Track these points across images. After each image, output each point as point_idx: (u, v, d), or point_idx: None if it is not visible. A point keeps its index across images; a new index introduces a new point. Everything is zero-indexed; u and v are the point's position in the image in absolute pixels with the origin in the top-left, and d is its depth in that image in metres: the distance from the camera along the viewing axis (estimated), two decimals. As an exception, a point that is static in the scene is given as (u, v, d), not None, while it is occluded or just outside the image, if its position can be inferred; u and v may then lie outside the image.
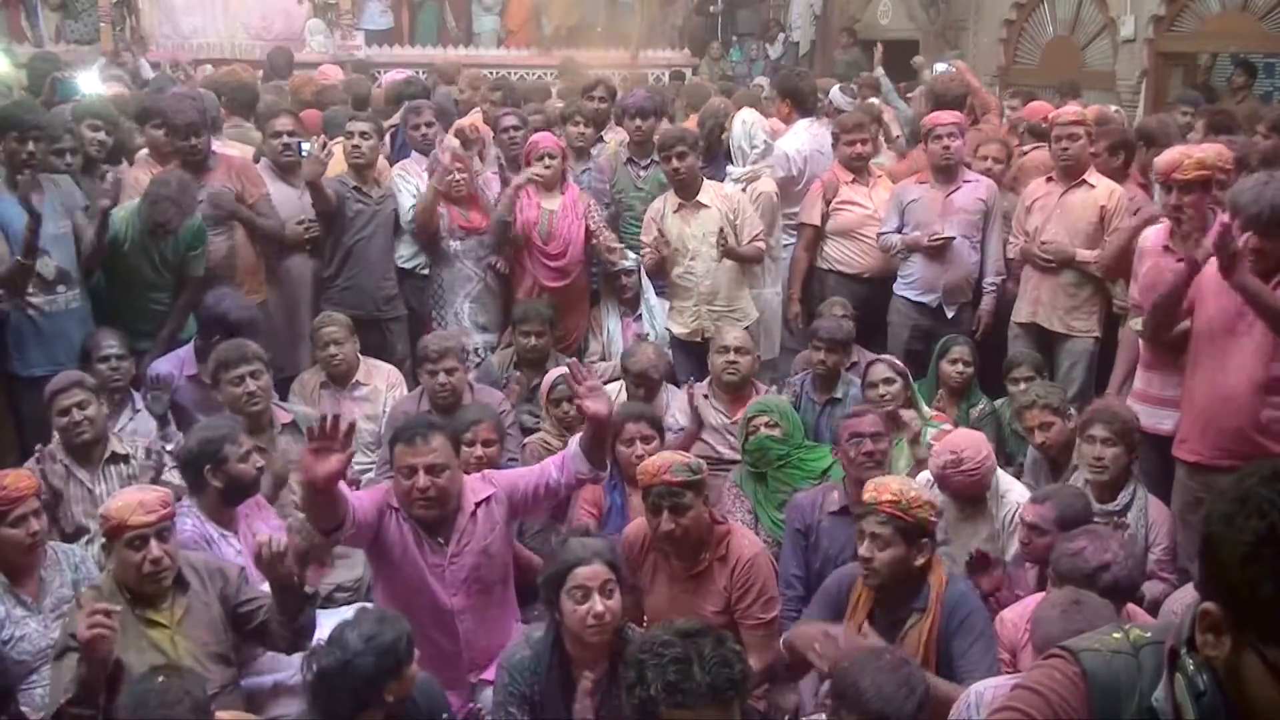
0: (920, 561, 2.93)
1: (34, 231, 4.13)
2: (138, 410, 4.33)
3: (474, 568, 3.22)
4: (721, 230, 4.89)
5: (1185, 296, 3.60)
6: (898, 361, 4.42)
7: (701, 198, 5.03)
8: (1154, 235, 4.15)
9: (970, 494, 3.64)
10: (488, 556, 3.23)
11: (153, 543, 2.84)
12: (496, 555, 3.25)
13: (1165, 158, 4.05)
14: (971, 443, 3.68)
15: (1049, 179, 5.01)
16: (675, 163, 4.95)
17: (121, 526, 2.84)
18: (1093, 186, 4.86)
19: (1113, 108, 6.87)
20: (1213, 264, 3.54)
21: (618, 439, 3.83)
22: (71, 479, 3.80)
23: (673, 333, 5.20)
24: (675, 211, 5.06)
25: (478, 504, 3.24)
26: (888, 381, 4.26)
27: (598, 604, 2.68)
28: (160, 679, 2.41)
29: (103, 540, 2.99)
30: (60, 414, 3.80)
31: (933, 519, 2.98)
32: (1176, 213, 3.96)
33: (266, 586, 3.14)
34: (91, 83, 6.05)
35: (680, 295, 5.14)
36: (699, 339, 5.03)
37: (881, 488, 2.97)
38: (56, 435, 3.90)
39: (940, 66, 6.54)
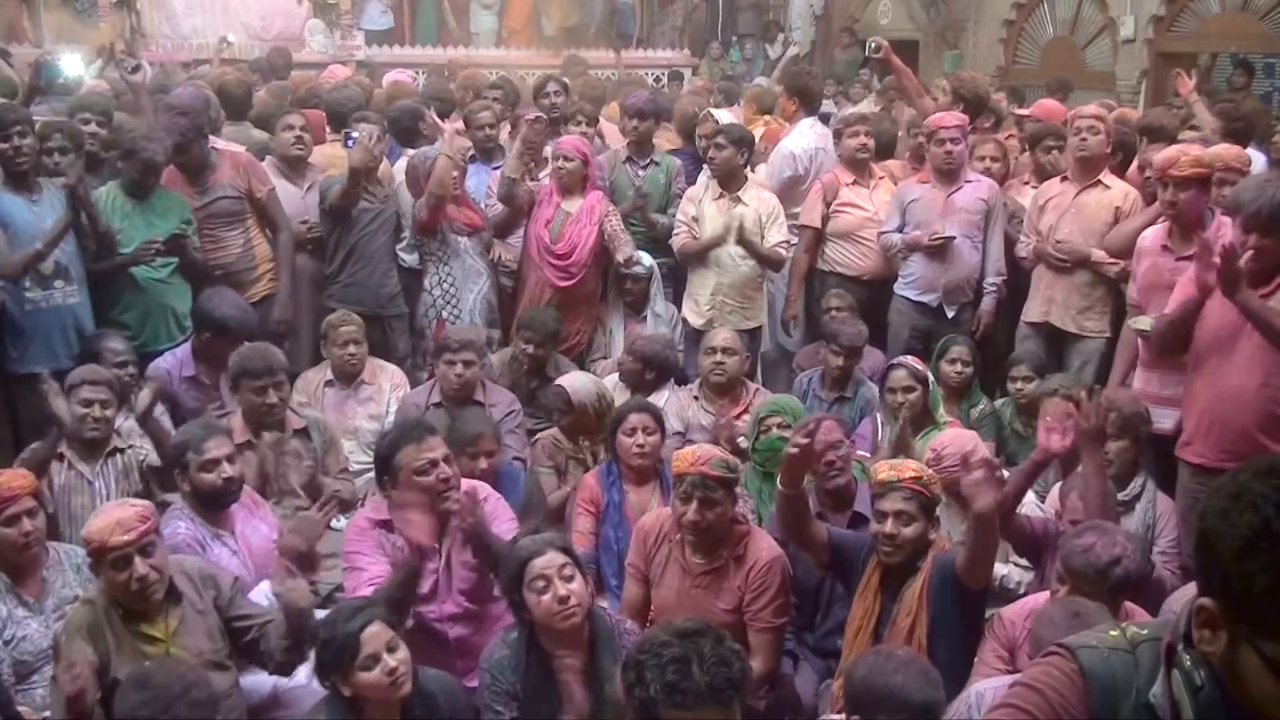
0: (932, 536, 3.06)
1: (68, 226, 4.21)
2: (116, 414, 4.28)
3: (463, 576, 3.24)
4: (741, 218, 5.02)
5: (1197, 317, 3.59)
6: (919, 366, 4.32)
7: (743, 194, 5.23)
8: (1152, 235, 4.16)
9: (951, 491, 3.66)
10: (476, 565, 3.25)
11: (136, 560, 2.79)
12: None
13: (1163, 155, 4.07)
14: (955, 441, 3.68)
15: (1063, 179, 5.01)
16: (713, 152, 5.20)
17: (103, 548, 2.78)
18: (1108, 187, 4.85)
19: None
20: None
21: (620, 429, 3.86)
22: (71, 470, 3.79)
23: (687, 322, 5.30)
24: (715, 199, 5.24)
25: None
26: (908, 390, 4.20)
27: (560, 588, 2.72)
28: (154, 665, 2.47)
29: (89, 561, 2.95)
30: (82, 404, 3.78)
31: (941, 496, 3.13)
32: (1171, 209, 3.98)
33: (262, 595, 3.15)
34: (74, 64, 6.04)
35: (699, 284, 5.28)
36: (712, 329, 5.06)
37: (901, 467, 3.08)
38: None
39: (872, 43, 6.47)
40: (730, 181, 5.24)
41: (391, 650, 2.58)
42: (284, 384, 4.06)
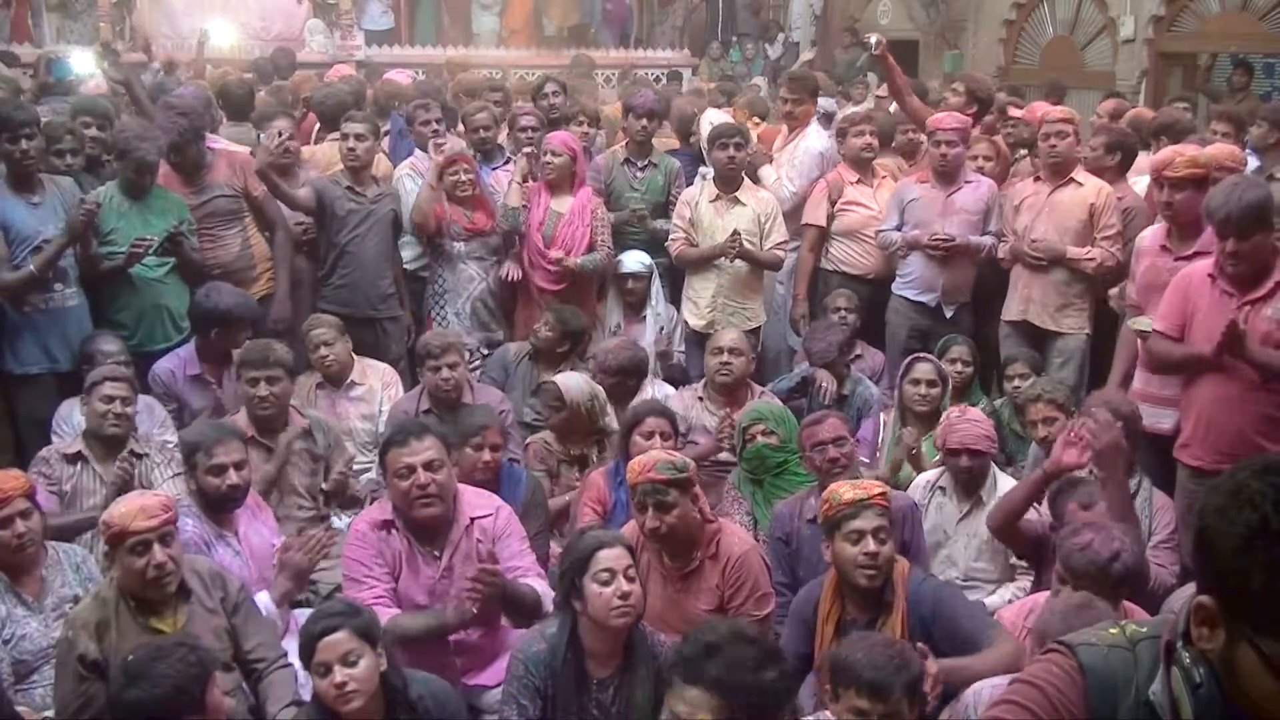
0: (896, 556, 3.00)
1: (61, 251, 4.24)
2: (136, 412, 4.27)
3: (467, 584, 3.21)
4: (736, 231, 4.98)
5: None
6: (943, 366, 4.41)
7: (741, 195, 5.18)
8: (1150, 235, 4.18)
9: (976, 453, 3.68)
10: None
11: (155, 547, 2.81)
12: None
13: (1158, 157, 4.10)
14: (975, 413, 3.80)
15: (1036, 178, 5.03)
16: (733, 151, 5.09)
17: (124, 533, 2.80)
18: (1080, 185, 4.88)
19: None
20: (1204, 268, 3.60)
21: (635, 430, 3.85)
22: (86, 470, 3.79)
23: (689, 324, 5.27)
24: (712, 201, 5.18)
25: (474, 519, 3.24)
26: (931, 384, 4.25)
27: (624, 584, 2.70)
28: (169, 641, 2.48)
29: (105, 549, 2.96)
30: (102, 400, 3.79)
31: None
32: (1169, 210, 4.01)
33: (260, 605, 3.15)
34: (84, 62, 6.05)
35: (700, 285, 5.24)
36: (712, 331, 5.06)
37: (867, 485, 2.99)
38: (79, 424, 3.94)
39: (873, 39, 6.48)
40: (731, 182, 5.21)
41: (348, 664, 2.52)
42: (280, 380, 4.03)
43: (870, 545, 2.88)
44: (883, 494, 2.95)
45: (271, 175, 4.87)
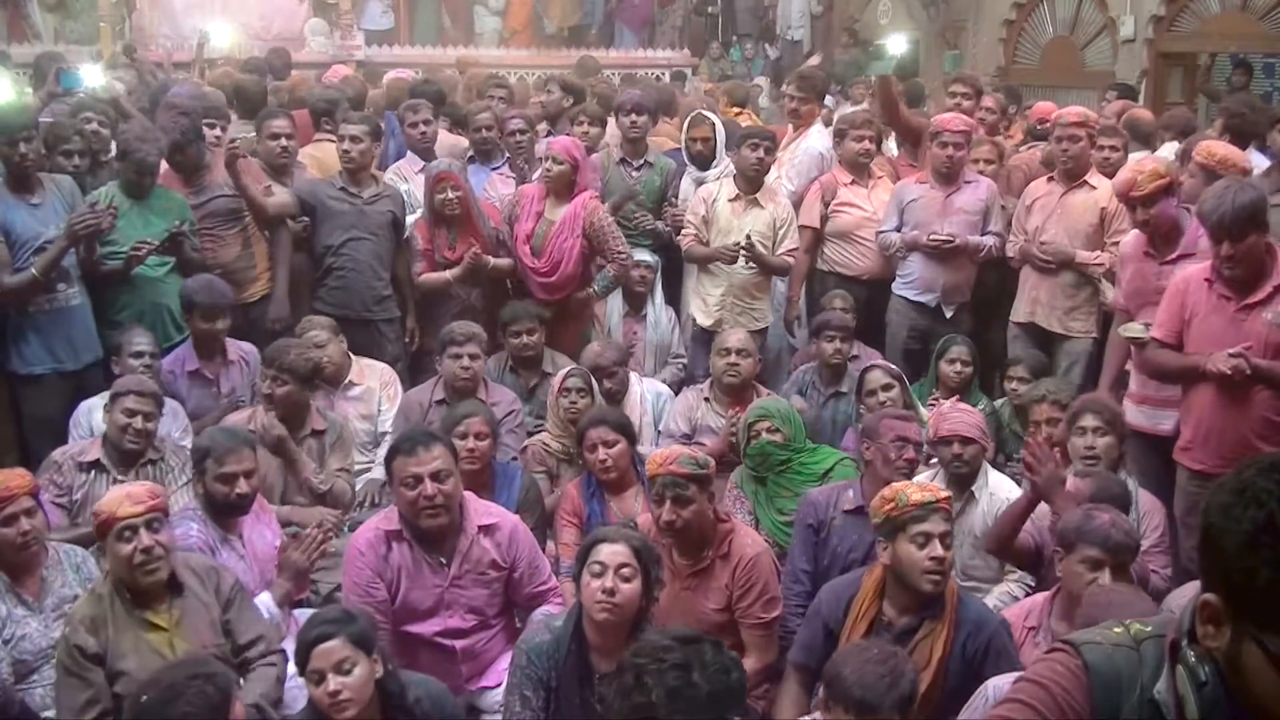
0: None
1: (62, 254, 4.24)
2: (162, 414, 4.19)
3: (473, 592, 3.23)
4: (748, 237, 4.98)
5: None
6: (892, 366, 4.43)
7: (760, 197, 5.16)
8: (1133, 242, 4.19)
9: (967, 440, 3.68)
10: (487, 582, 3.25)
11: (142, 532, 2.82)
12: (494, 583, 3.26)
13: (1121, 180, 4.12)
14: (963, 408, 3.88)
15: (1050, 179, 5.02)
16: (762, 154, 5.08)
17: (111, 519, 2.83)
18: (1094, 188, 4.87)
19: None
20: (1201, 272, 3.62)
21: (583, 446, 3.86)
22: (102, 477, 3.76)
23: (696, 321, 5.26)
24: (731, 200, 5.15)
25: (481, 527, 3.23)
26: (886, 388, 4.26)
27: (608, 580, 2.68)
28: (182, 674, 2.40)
29: (98, 543, 2.97)
30: (124, 414, 3.74)
31: None
32: (1146, 227, 4.03)
33: (263, 606, 3.15)
34: (94, 74, 6.06)
35: (711, 284, 5.23)
36: (720, 329, 5.05)
37: (933, 487, 2.99)
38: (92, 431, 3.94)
39: (901, 42, 6.46)
40: (754, 183, 5.15)
41: (342, 672, 2.50)
42: (286, 383, 4.04)
43: (938, 550, 2.83)
44: (948, 498, 2.95)
45: (241, 178, 4.79)
